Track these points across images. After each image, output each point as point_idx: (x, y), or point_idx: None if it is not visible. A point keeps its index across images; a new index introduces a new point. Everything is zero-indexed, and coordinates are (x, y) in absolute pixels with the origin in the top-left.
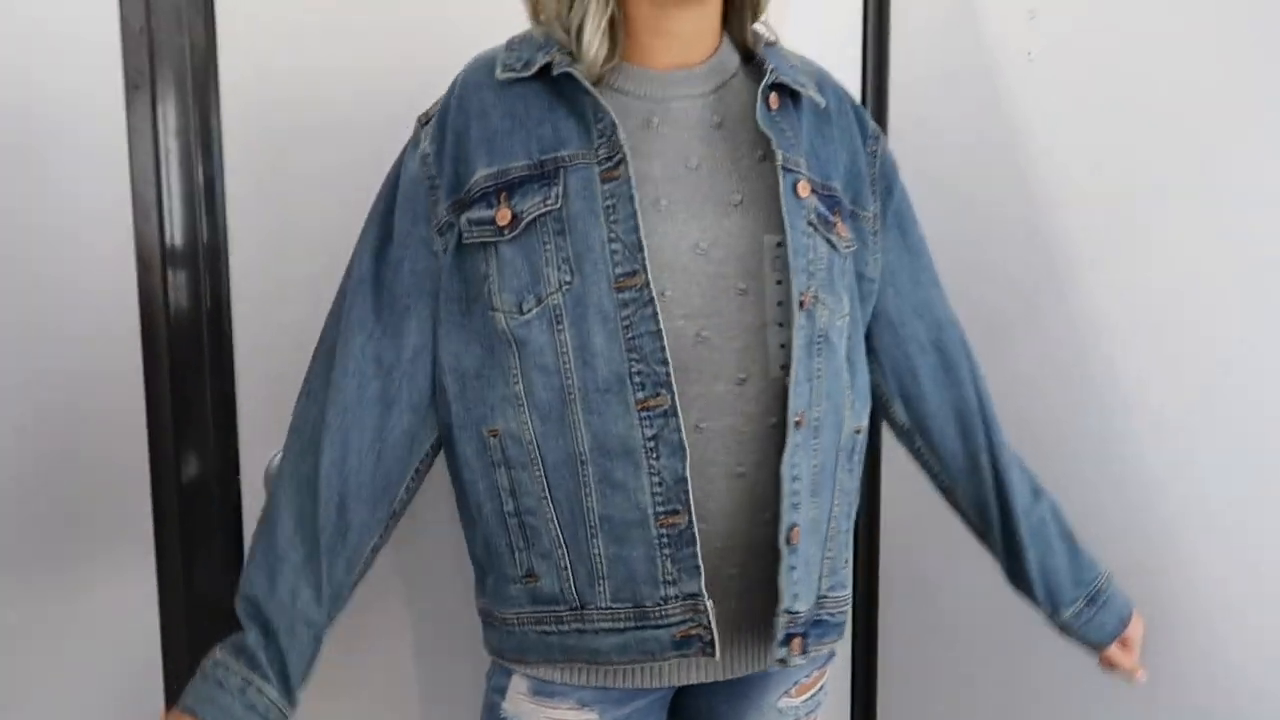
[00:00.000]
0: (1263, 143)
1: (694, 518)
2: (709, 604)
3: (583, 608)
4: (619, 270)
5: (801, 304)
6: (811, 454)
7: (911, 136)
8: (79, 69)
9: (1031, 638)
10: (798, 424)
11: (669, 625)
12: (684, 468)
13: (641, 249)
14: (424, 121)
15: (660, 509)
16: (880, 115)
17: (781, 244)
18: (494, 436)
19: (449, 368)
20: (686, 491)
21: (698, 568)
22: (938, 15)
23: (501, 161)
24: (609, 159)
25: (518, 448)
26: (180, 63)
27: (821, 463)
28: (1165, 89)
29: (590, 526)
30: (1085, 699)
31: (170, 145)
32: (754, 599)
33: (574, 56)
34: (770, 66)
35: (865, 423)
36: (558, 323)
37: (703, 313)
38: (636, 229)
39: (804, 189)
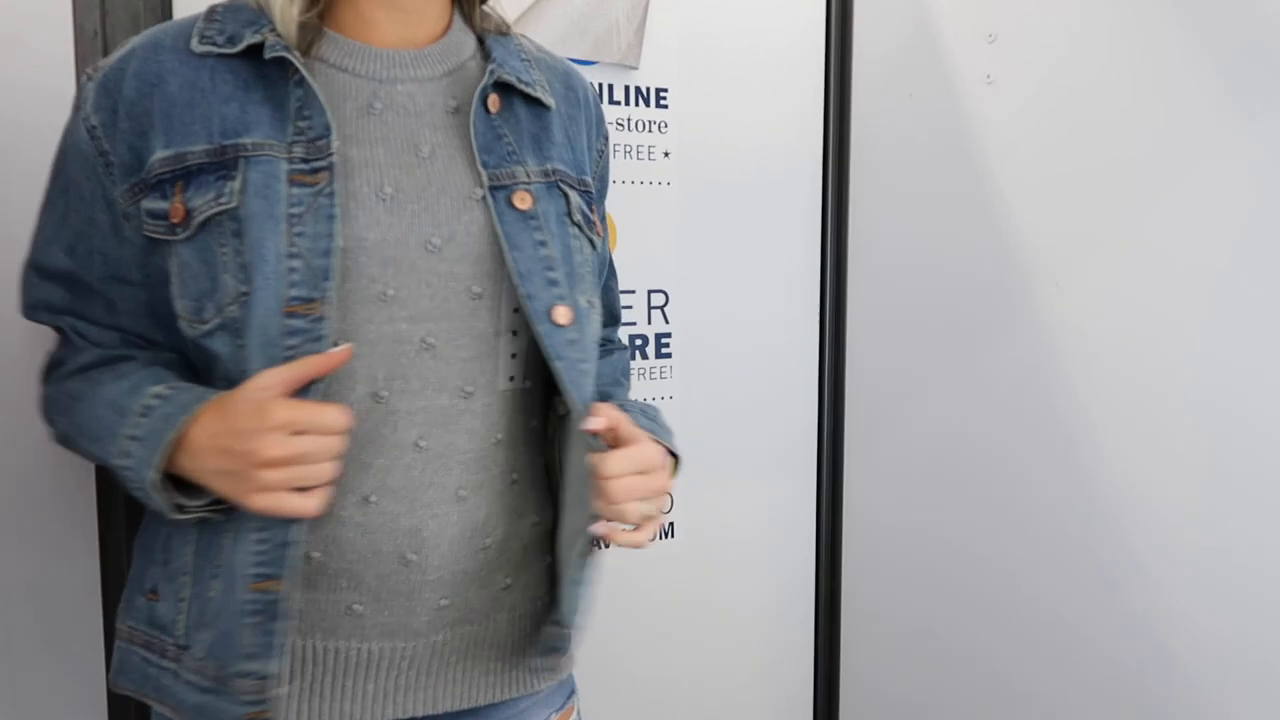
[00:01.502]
0: (1220, 162)
1: (289, 591)
2: (283, 691)
3: (182, 650)
4: (293, 292)
5: (554, 320)
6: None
7: (873, 157)
8: (29, 73)
9: (1001, 652)
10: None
11: (239, 703)
12: (292, 532)
13: (328, 277)
14: (88, 79)
15: (254, 570)
16: (842, 136)
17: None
18: None
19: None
20: (293, 558)
21: (281, 646)
22: (899, 38)
23: (180, 143)
24: (304, 161)
25: None
26: None
27: None
28: (1123, 110)
29: (216, 565)
30: (1053, 711)
31: None
32: (471, 629)
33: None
34: (491, 65)
35: None
36: (238, 338)
37: (430, 316)
38: (328, 252)
39: (523, 200)
